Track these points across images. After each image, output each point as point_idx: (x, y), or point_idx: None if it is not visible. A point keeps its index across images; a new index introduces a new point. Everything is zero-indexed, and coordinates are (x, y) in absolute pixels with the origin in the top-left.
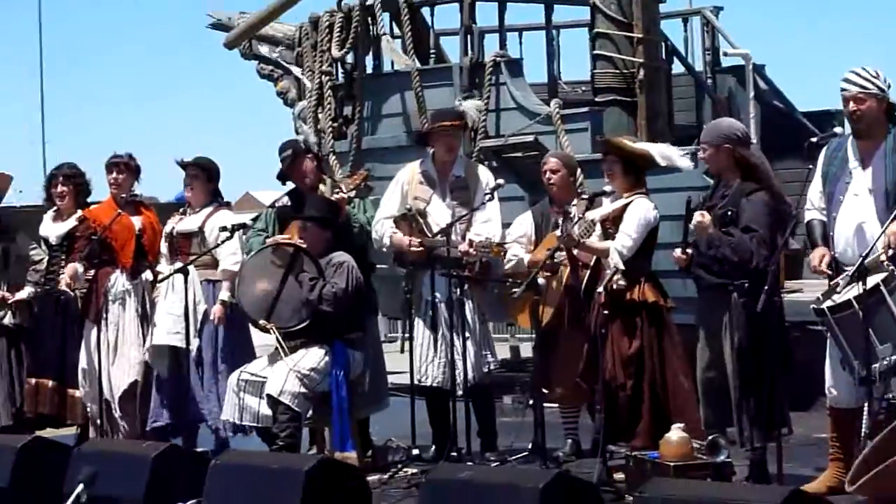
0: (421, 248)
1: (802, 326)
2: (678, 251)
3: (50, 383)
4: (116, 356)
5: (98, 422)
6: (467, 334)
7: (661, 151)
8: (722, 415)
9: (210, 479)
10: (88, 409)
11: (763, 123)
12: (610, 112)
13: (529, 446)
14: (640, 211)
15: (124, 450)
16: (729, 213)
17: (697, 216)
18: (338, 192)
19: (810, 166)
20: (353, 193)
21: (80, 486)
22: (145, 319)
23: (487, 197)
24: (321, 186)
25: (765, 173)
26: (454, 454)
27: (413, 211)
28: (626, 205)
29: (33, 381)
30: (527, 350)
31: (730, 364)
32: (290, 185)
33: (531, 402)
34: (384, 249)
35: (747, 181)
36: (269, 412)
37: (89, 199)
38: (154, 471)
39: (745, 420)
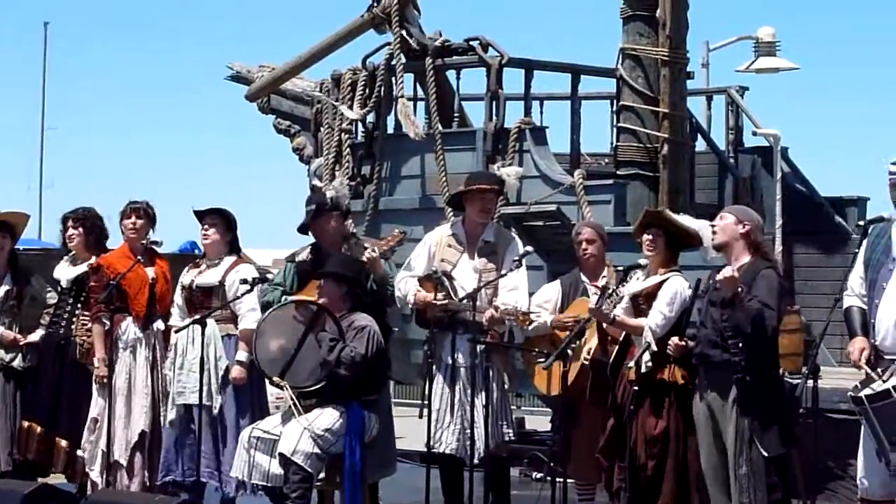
0: (445, 308)
1: (822, 413)
2: (676, 339)
3: (38, 429)
4: (126, 405)
5: (101, 472)
6: (486, 401)
7: (703, 231)
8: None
9: None
10: (85, 460)
11: (784, 207)
12: (632, 186)
13: None
14: (677, 289)
15: (135, 503)
16: (740, 288)
17: (728, 271)
18: (369, 252)
19: (856, 251)
20: (384, 254)
21: None
22: (155, 369)
23: (515, 264)
24: (345, 245)
25: (774, 256)
26: None
27: (439, 273)
28: (662, 281)
29: (25, 424)
30: (533, 422)
31: (731, 447)
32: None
33: (545, 475)
34: (408, 306)
35: (757, 260)
36: (279, 471)
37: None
38: None
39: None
